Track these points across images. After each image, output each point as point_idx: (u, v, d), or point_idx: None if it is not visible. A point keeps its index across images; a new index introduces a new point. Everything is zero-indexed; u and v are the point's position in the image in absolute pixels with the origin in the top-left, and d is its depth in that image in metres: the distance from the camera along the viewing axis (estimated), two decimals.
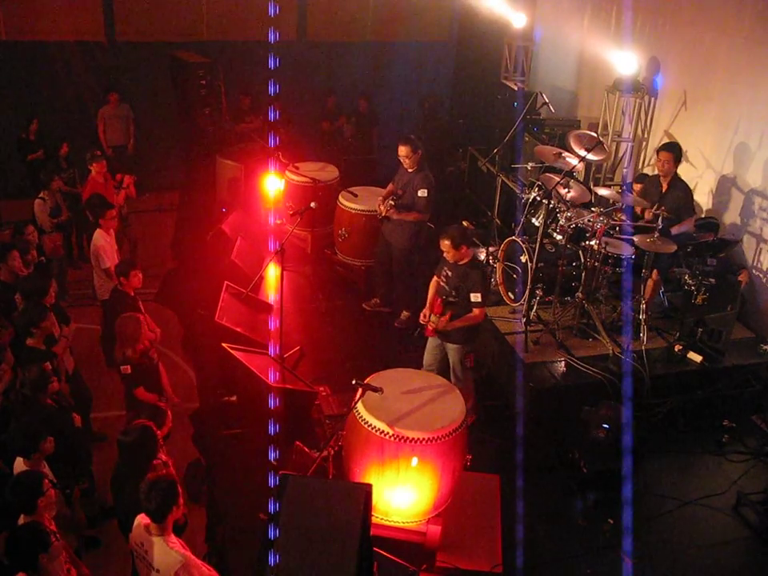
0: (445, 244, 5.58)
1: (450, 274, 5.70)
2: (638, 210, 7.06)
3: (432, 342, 5.96)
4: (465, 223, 8.69)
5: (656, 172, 7.15)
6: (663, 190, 6.92)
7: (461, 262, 5.64)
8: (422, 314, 5.77)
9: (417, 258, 7.38)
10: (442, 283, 5.77)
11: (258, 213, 8.23)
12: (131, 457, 4.16)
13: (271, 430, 2.96)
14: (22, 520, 3.95)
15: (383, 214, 7.05)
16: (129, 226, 8.40)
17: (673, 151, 6.85)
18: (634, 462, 5.70)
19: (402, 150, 6.86)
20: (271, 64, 2.37)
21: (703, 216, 7.78)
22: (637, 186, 7.52)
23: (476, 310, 5.61)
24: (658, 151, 7.09)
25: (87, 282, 6.85)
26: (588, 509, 5.54)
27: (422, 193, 6.84)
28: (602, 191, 6.88)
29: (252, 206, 8.37)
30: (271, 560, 3.03)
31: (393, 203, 7.00)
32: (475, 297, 5.57)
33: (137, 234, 8.83)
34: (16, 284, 5.84)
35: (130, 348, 5.22)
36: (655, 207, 6.61)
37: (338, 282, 8.07)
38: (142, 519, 3.78)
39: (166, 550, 3.68)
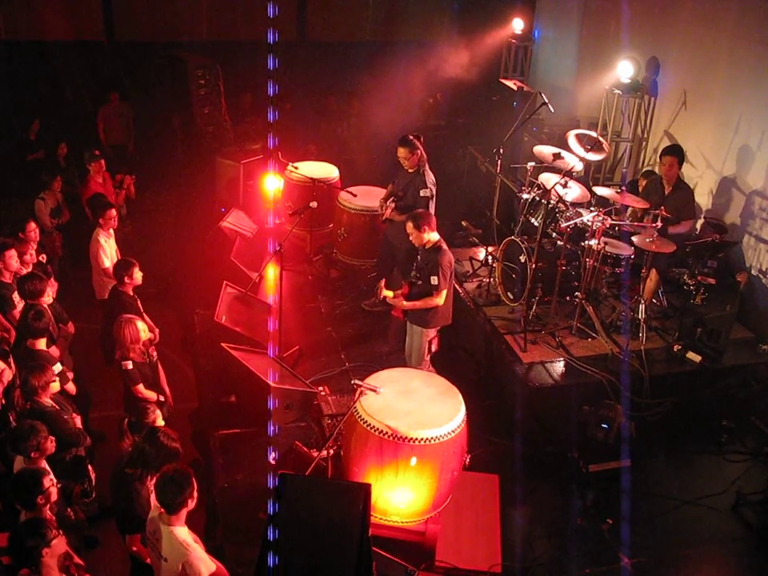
0: (408, 225, 5.76)
1: (419, 257, 5.89)
2: (638, 210, 7.05)
3: (409, 328, 6.10)
4: (464, 223, 8.70)
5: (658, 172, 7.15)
6: (666, 192, 6.92)
7: (427, 246, 5.78)
8: (377, 287, 5.93)
9: None
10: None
11: (257, 212, 8.22)
12: (146, 462, 4.15)
13: (270, 429, 2.96)
14: (23, 516, 3.96)
15: (385, 217, 7.04)
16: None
17: (676, 155, 6.86)
18: (632, 461, 5.72)
19: (401, 152, 6.79)
20: (270, 64, 2.34)
21: (703, 217, 7.80)
22: (643, 182, 7.50)
23: (434, 294, 5.72)
24: (661, 156, 7.08)
25: (86, 281, 6.84)
26: (587, 508, 5.54)
27: (424, 192, 6.78)
28: (602, 191, 6.87)
29: (251, 205, 8.37)
30: (270, 560, 3.04)
31: (393, 205, 6.98)
32: (434, 279, 5.70)
33: (136, 233, 8.86)
34: (14, 283, 5.84)
35: (130, 351, 5.22)
36: (656, 208, 6.61)
37: (336, 281, 8.07)
38: (158, 507, 3.80)
39: (175, 542, 3.71)
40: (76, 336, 6.21)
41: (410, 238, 5.82)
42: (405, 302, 5.81)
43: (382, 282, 5.95)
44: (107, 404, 6.00)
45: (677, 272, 6.81)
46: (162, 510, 3.75)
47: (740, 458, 6.11)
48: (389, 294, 5.89)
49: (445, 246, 5.81)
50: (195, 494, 3.79)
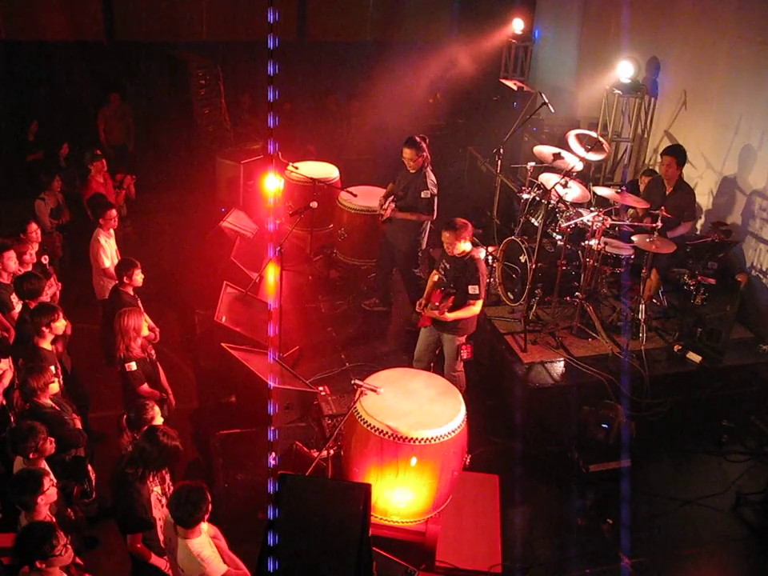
0: (446, 235, 5.66)
1: (448, 266, 5.81)
2: (638, 210, 7.04)
3: (425, 333, 6.03)
4: None
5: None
6: (667, 192, 6.91)
7: (460, 255, 5.71)
8: (417, 303, 5.90)
9: (421, 259, 7.35)
10: (440, 275, 5.87)
11: (257, 212, 8.22)
12: (146, 461, 4.13)
13: (270, 430, 2.95)
14: (23, 518, 3.95)
15: (385, 216, 7.02)
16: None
17: (676, 155, 6.85)
18: (632, 461, 5.72)
19: (407, 153, 6.73)
20: (271, 70, 2.34)
21: (704, 217, 7.80)
22: (645, 179, 7.50)
23: (473, 302, 5.67)
24: (661, 155, 7.08)
25: (86, 281, 6.84)
26: (587, 508, 5.54)
27: (425, 194, 6.77)
28: (602, 191, 6.87)
29: (251, 205, 8.37)
30: (270, 561, 3.03)
31: (393, 205, 6.96)
32: (473, 289, 5.64)
33: (136, 233, 8.86)
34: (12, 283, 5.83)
35: (132, 340, 5.20)
36: (656, 208, 6.60)
37: (336, 281, 8.08)
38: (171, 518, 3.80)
39: (191, 555, 3.71)
40: (76, 336, 6.21)
41: (444, 246, 5.73)
42: (448, 314, 5.65)
43: (423, 301, 5.87)
44: (106, 404, 6.00)
45: (677, 272, 6.80)
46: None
47: (740, 458, 6.11)
48: (431, 306, 5.77)
49: (478, 255, 5.80)
50: (210, 507, 3.79)
